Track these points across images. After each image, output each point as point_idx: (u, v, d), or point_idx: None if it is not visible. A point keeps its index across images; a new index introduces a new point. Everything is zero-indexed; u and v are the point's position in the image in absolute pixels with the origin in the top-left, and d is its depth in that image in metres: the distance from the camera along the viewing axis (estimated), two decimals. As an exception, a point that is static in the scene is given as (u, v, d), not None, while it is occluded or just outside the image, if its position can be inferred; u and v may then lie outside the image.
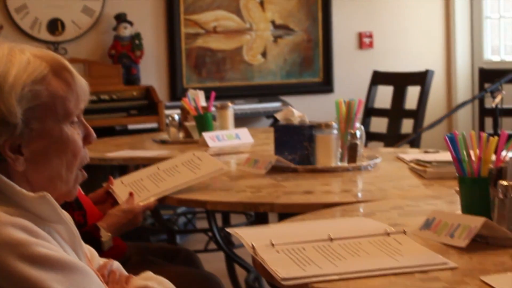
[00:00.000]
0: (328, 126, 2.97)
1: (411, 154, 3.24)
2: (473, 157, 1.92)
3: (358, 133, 3.03)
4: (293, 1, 6.92)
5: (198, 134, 3.88)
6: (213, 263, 4.75)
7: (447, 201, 2.29)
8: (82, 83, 1.60)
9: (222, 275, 4.20)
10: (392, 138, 4.50)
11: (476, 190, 1.91)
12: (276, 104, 6.34)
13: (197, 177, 2.69)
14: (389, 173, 2.90)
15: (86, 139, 1.62)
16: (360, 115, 3.18)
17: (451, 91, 7.33)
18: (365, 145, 4.58)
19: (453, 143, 1.92)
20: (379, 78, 4.93)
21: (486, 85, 4.25)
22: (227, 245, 3.93)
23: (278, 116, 3.12)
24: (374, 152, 3.34)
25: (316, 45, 7.00)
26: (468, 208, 1.93)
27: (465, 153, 1.92)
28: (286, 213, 2.42)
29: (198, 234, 5.39)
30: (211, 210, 3.71)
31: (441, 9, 7.33)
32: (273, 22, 6.91)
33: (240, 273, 4.11)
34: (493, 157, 1.91)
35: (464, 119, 7.12)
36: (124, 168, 4.39)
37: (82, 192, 2.67)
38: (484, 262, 1.66)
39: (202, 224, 5.11)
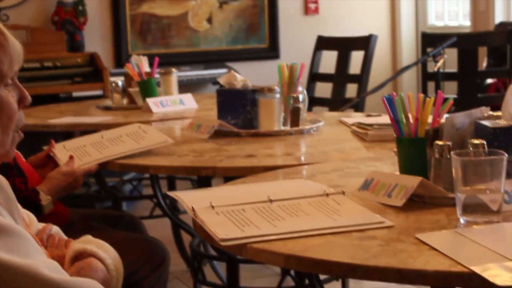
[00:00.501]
0: (270, 90, 2.98)
1: (353, 118, 3.26)
2: (410, 119, 1.94)
3: (300, 97, 3.04)
4: (239, -33, 6.90)
5: (141, 100, 3.86)
6: (160, 229, 4.75)
7: (387, 163, 2.32)
8: (16, 45, 1.58)
9: (169, 241, 4.21)
10: (337, 103, 4.52)
11: (413, 151, 1.93)
12: (222, 71, 6.31)
13: (141, 147, 2.68)
14: (331, 137, 2.92)
15: (21, 102, 1.60)
16: (304, 79, 3.19)
17: (396, 56, 7.38)
18: (310, 110, 4.61)
19: (391, 104, 1.94)
20: (323, 43, 4.93)
21: (429, 50, 4.28)
22: (172, 211, 3.92)
23: (221, 80, 3.11)
24: (317, 116, 3.36)
25: (261, 11, 6.99)
26: (406, 168, 1.95)
27: (402, 114, 1.94)
28: (231, 177, 2.43)
29: (145, 201, 5.38)
30: (155, 176, 3.70)
31: (386, -26, 7.36)
32: (218, -12, 6.88)
33: (187, 239, 4.12)
34: (430, 118, 1.94)
35: (409, 83, 7.18)
36: (69, 135, 4.35)
37: (23, 159, 2.65)
38: (420, 221, 1.69)
39: (149, 191, 5.09)
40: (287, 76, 3.09)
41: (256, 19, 6.98)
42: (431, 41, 4.42)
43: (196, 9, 6.84)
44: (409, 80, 7.16)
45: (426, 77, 4.50)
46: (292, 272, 3.39)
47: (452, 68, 4.59)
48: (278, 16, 7.01)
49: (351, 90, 4.65)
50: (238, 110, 2.99)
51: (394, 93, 1.95)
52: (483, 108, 1.98)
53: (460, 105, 4.57)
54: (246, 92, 3.00)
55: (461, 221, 1.64)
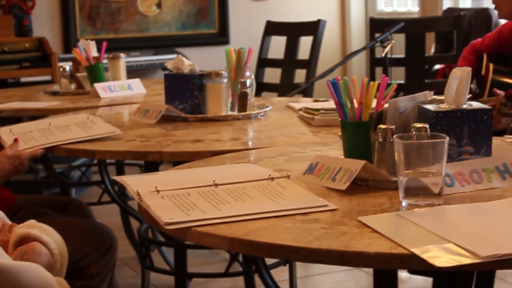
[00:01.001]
0: (218, 75, 2.98)
1: (301, 103, 3.27)
2: (355, 103, 1.95)
3: (248, 82, 3.04)
4: (188, -49, 6.86)
5: (89, 85, 3.84)
6: (109, 216, 4.74)
7: (333, 147, 2.34)
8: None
9: (118, 228, 4.20)
10: (286, 88, 4.53)
11: (357, 134, 1.95)
12: (172, 56, 6.26)
13: (88, 135, 2.66)
14: (278, 122, 2.93)
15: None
16: (253, 65, 3.20)
17: (346, 41, 7.42)
18: (259, 96, 4.62)
19: (335, 88, 1.95)
20: (272, 28, 4.93)
21: (377, 35, 4.31)
22: (121, 197, 3.91)
23: (168, 65, 3.10)
24: (265, 101, 3.37)
25: (212, -4, 6.97)
26: (350, 152, 1.97)
27: (347, 98, 1.95)
28: (179, 162, 2.43)
29: (94, 187, 5.36)
30: (103, 162, 3.68)
31: (335, -40, 7.38)
32: (168, -28, 6.84)
33: (136, 225, 4.11)
34: (375, 102, 1.96)
35: (359, 68, 7.23)
36: (17, 121, 4.30)
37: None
38: (363, 204, 1.71)
39: (98, 177, 5.06)
40: (235, 61, 3.09)
41: (206, 4, 6.97)
42: (379, 26, 4.45)
43: (146, -7, 6.80)
44: (359, 65, 7.20)
45: (374, 62, 4.54)
46: (240, 258, 3.41)
47: (401, 53, 4.62)
48: (228, 1, 7.00)
49: (300, 75, 4.67)
50: (186, 95, 2.99)
51: (339, 77, 1.96)
52: (427, 92, 2.01)
53: (407, 90, 4.61)
54: (193, 77, 2.99)
55: (403, 204, 1.66)
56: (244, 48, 3.11)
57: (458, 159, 1.85)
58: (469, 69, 1.88)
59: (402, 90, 4.90)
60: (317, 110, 2.83)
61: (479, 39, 3.48)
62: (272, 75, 4.91)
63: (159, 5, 6.84)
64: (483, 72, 3.29)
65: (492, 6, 5.85)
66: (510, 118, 2.65)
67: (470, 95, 3.24)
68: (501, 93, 2.81)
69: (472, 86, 3.34)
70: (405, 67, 4.54)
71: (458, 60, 3.52)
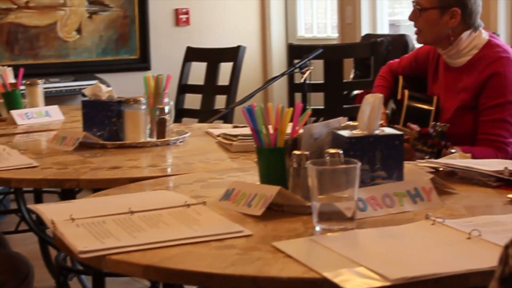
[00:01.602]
0: (136, 101, 2.97)
1: (220, 129, 3.29)
2: (270, 129, 1.97)
3: (166, 108, 3.04)
4: (108, -23, 6.85)
5: (6, 112, 3.78)
6: (28, 244, 4.66)
7: (250, 173, 2.35)
8: None
9: (37, 256, 4.14)
10: (206, 114, 4.54)
11: (273, 160, 1.97)
12: (93, 82, 6.22)
13: (3, 166, 2.62)
14: (197, 148, 2.94)
15: None
16: (173, 91, 3.20)
17: (267, 67, 7.49)
18: (180, 122, 4.63)
19: (251, 115, 1.97)
20: (192, 54, 4.95)
21: (296, 61, 4.35)
22: (38, 226, 3.85)
23: (86, 92, 3.09)
24: (185, 127, 3.37)
25: (132, 22, 6.96)
26: (266, 178, 1.99)
27: (262, 124, 1.97)
28: (99, 189, 2.41)
29: (12, 215, 5.27)
30: (19, 190, 3.63)
31: (255, -14, 7.45)
32: (88, -2, 6.81)
33: (55, 253, 4.06)
34: (290, 128, 1.98)
35: (279, 94, 7.29)
36: None
37: None
38: (278, 229, 1.72)
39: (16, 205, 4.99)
40: (153, 87, 3.09)
41: (127, 30, 6.95)
42: (298, 52, 4.50)
43: (65, 19, 6.75)
44: (279, 90, 7.27)
45: (294, 88, 4.58)
46: (161, 286, 3.39)
47: (320, 79, 4.68)
48: (149, 27, 7.00)
49: (221, 101, 4.69)
50: (104, 121, 2.97)
51: (254, 104, 1.98)
52: (340, 118, 2.04)
53: (327, 115, 4.67)
54: (111, 104, 2.98)
55: (317, 228, 1.68)
56: (162, 74, 3.11)
57: (371, 184, 1.88)
58: (380, 96, 1.92)
59: (321, 115, 4.97)
60: (235, 136, 2.84)
61: (396, 60, 3.53)
62: (193, 101, 4.92)
63: (79, 31, 6.80)
64: (399, 96, 3.34)
65: (408, 33, 5.98)
66: (423, 153, 2.70)
67: (384, 117, 3.31)
68: (415, 127, 2.86)
69: (393, 107, 3.38)
70: (324, 93, 4.60)
71: (376, 79, 3.57)
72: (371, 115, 1.90)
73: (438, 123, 2.77)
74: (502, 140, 2.99)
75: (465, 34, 3.08)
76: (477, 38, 3.09)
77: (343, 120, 2.03)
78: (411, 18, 3.17)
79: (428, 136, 2.75)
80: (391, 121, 3.31)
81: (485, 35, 3.11)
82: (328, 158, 1.79)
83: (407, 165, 2.01)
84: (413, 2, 3.15)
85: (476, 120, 3.06)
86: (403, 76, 3.41)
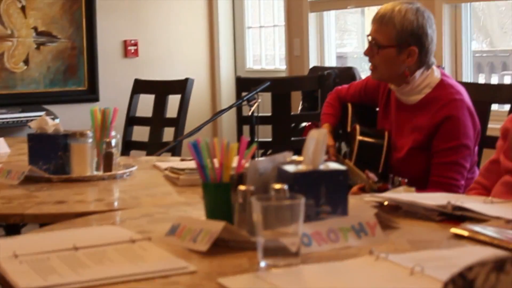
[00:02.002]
0: (82, 135, 2.96)
1: (167, 162, 3.28)
2: (216, 164, 1.98)
3: (113, 142, 3.04)
4: (56, 8, 6.82)
5: (-51, 145, 3.74)
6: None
7: (197, 207, 2.34)
8: None
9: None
10: (154, 147, 4.53)
11: (219, 196, 1.97)
12: (40, 113, 6.19)
13: None
14: (144, 181, 2.93)
15: None
16: (121, 123, 3.19)
17: (216, 99, 7.50)
18: (128, 154, 4.61)
19: (196, 150, 1.97)
20: (140, 86, 4.95)
21: (244, 94, 4.37)
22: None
23: (32, 125, 3.07)
24: (132, 161, 3.36)
25: (80, 53, 6.94)
26: (212, 213, 1.99)
27: (208, 159, 1.97)
28: (45, 224, 2.39)
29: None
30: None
31: (204, 18, 7.48)
32: (35, 29, 6.78)
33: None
34: (235, 163, 1.98)
35: (228, 126, 7.30)
36: None
37: None
38: (224, 265, 1.72)
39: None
40: (100, 121, 3.08)
41: (75, 61, 6.93)
42: (246, 85, 4.53)
43: (12, 49, 6.71)
44: (228, 123, 7.28)
45: (242, 121, 4.60)
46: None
47: (268, 111, 4.70)
48: (97, 58, 6.98)
49: (169, 133, 4.69)
50: (50, 155, 2.96)
51: (200, 139, 1.99)
52: (286, 153, 2.05)
53: (275, 148, 4.69)
54: (57, 137, 2.97)
55: (262, 264, 1.68)
56: (109, 108, 3.11)
57: (316, 219, 1.89)
58: (325, 131, 1.94)
59: (269, 147, 4.99)
60: (182, 170, 2.84)
61: (345, 86, 3.52)
62: (141, 133, 4.91)
63: (26, 62, 6.75)
64: (348, 128, 3.36)
65: (355, 65, 6.04)
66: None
67: (332, 150, 3.33)
68: (372, 177, 2.89)
69: (343, 141, 3.40)
70: (272, 125, 4.62)
71: (323, 106, 3.57)
72: (316, 150, 1.91)
73: (396, 177, 2.79)
74: (455, 183, 3.00)
75: (418, 73, 3.09)
76: (429, 76, 3.10)
77: (288, 155, 2.04)
78: (367, 53, 3.15)
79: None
80: (344, 155, 3.33)
81: (437, 73, 3.12)
82: (273, 193, 1.80)
83: (352, 200, 2.03)
84: (368, 37, 3.16)
85: (428, 160, 3.07)
86: (352, 104, 3.42)
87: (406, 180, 2.72)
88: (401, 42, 3.05)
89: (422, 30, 3.06)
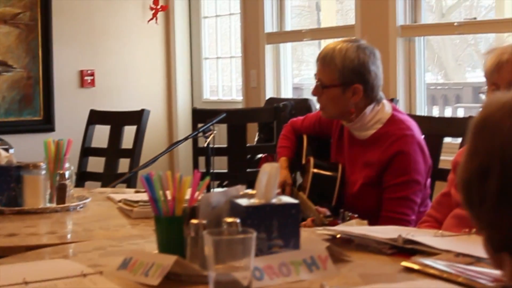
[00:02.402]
0: (36, 166, 2.95)
1: (122, 194, 3.27)
2: (169, 196, 1.98)
3: (67, 174, 3.02)
4: (12, 37, 6.79)
5: None
6: None
7: (150, 240, 2.33)
8: None
9: None
10: (109, 178, 4.51)
11: (171, 229, 1.97)
12: (-6, 143, 6.14)
13: None
14: (97, 214, 2.92)
15: None
16: (76, 154, 3.17)
17: (172, 130, 7.49)
18: (83, 186, 4.58)
19: (149, 183, 1.97)
20: (96, 117, 4.93)
21: (200, 125, 4.37)
22: None
23: (-16, 157, 3.04)
24: (86, 192, 3.34)
25: (36, 83, 6.90)
26: (164, 246, 1.98)
27: (160, 193, 1.97)
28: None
29: None
30: None
31: (161, 48, 7.49)
32: (-10, 59, 6.73)
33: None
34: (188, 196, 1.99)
35: (184, 158, 7.28)
36: None
37: None
38: (174, 299, 1.72)
39: None
40: (54, 152, 3.07)
41: (30, 91, 6.89)
42: (201, 116, 4.53)
43: (-33, 80, 6.65)
44: (184, 154, 7.26)
45: (197, 152, 4.60)
46: None
47: (224, 143, 4.71)
48: (53, 88, 6.94)
49: (124, 164, 4.67)
50: (2, 187, 2.93)
51: (153, 172, 1.99)
52: (239, 186, 2.06)
53: (230, 179, 4.70)
54: (10, 169, 2.94)
55: (213, 298, 1.68)
56: (63, 139, 3.10)
57: (268, 252, 1.90)
58: (277, 165, 1.95)
59: (225, 179, 4.99)
60: (136, 202, 2.84)
61: (300, 118, 3.53)
62: (96, 164, 4.89)
63: (-19, 92, 6.70)
64: (303, 161, 3.37)
65: (311, 97, 6.09)
66: None
67: (289, 182, 3.34)
68: (323, 211, 2.90)
69: (298, 173, 3.40)
70: (227, 157, 4.62)
71: (279, 138, 3.58)
72: (268, 184, 1.92)
73: (346, 212, 2.81)
74: (405, 218, 3.00)
75: (369, 109, 3.10)
76: (380, 111, 3.11)
77: (241, 188, 2.05)
78: (314, 93, 3.15)
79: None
80: (298, 187, 3.33)
81: (388, 108, 3.13)
82: (225, 227, 1.80)
83: (304, 233, 2.04)
84: (315, 76, 3.17)
85: (380, 196, 3.08)
86: (307, 137, 3.43)
87: (356, 216, 2.73)
88: (344, 81, 3.06)
89: (364, 67, 3.07)
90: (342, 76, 3.05)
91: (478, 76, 5.94)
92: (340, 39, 3.17)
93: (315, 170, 3.21)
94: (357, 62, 3.05)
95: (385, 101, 3.14)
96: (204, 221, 1.88)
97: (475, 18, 5.03)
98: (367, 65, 3.06)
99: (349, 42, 3.10)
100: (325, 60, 3.09)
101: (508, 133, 1.14)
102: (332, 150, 3.30)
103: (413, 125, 3.11)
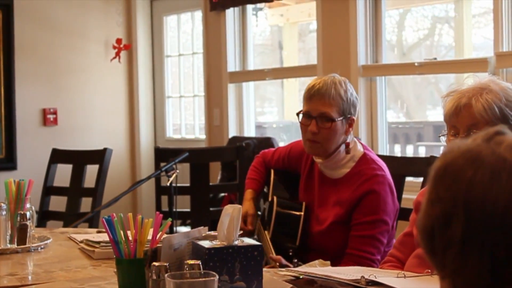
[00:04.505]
0: (-4, 207, 2.91)
1: (83, 234, 3.25)
2: (130, 238, 1.97)
3: (28, 214, 3.00)
4: (-26, 76, 6.74)
5: None
6: None
7: (111, 282, 2.32)
8: None
9: None
10: (71, 217, 4.47)
11: (132, 271, 1.96)
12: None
13: None
14: (59, 254, 2.89)
15: None
16: (38, 193, 3.15)
17: (135, 170, 7.46)
18: (44, 225, 4.54)
19: (110, 225, 1.96)
20: (58, 156, 4.90)
21: (162, 164, 4.37)
22: None
23: None
24: (47, 232, 3.31)
25: (-2, 121, 6.85)
26: (126, 289, 1.97)
27: (122, 234, 1.97)
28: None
29: None
30: None
31: (124, 87, 7.49)
32: (-49, 97, 6.68)
33: None
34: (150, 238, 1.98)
35: (148, 197, 7.24)
36: None
37: None
38: None
39: None
40: (14, 193, 3.04)
41: (-8, 129, 6.83)
42: (164, 155, 4.52)
43: None
44: (147, 193, 7.22)
45: (160, 191, 4.58)
46: None
47: (186, 182, 4.70)
48: (16, 126, 6.89)
49: (87, 204, 4.63)
50: (-38, 228, 2.89)
51: (114, 215, 1.98)
52: (201, 228, 2.06)
53: (193, 218, 4.68)
54: (-30, 210, 2.91)
55: None
56: (24, 180, 3.07)
57: (230, 295, 1.90)
58: (239, 207, 1.95)
59: (188, 218, 4.97)
60: (98, 242, 2.81)
61: (271, 149, 3.52)
62: (58, 203, 4.84)
63: None
64: (269, 198, 3.37)
65: (274, 135, 6.10)
66: None
67: (250, 220, 3.34)
68: (278, 259, 2.91)
69: (264, 208, 3.40)
70: (190, 196, 4.61)
71: (249, 169, 3.57)
72: (230, 226, 1.92)
73: (299, 263, 2.80)
74: (370, 257, 3.01)
75: (343, 146, 3.12)
76: (353, 149, 3.13)
77: (203, 230, 2.05)
78: (313, 130, 3.08)
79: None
80: (262, 221, 3.33)
81: (359, 146, 3.15)
82: (187, 269, 1.80)
83: (267, 274, 2.04)
84: (311, 114, 3.10)
85: (348, 234, 3.08)
86: (275, 171, 3.43)
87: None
88: (346, 113, 3.09)
89: (356, 99, 3.13)
90: (345, 109, 3.08)
91: (439, 114, 6.01)
92: (328, 75, 3.17)
93: (279, 209, 3.22)
94: (354, 95, 3.11)
95: (356, 140, 3.17)
96: (166, 264, 1.87)
97: (435, 58, 5.09)
98: (357, 97, 3.14)
99: (337, 76, 3.14)
100: (329, 95, 3.06)
101: (471, 181, 1.15)
102: (301, 187, 3.30)
103: (384, 166, 3.12)
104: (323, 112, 3.08)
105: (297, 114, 3.15)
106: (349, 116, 3.09)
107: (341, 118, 3.08)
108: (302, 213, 3.18)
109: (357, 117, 5.00)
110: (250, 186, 3.46)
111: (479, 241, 1.14)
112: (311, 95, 3.11)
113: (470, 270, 1.15)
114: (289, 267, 2.76)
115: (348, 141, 3.12)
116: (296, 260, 2.84)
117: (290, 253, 3.08)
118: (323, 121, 3.08)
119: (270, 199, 3.34)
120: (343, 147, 3.11)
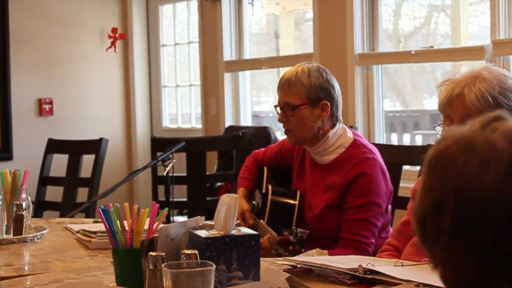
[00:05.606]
0: (-8, 198, 2.90)
1: (80, 224, 3.23)
2: (126, 226, 1.96)
3: (24, 204, 2.98)
4: (-31, 66, 6.72)
5: None
6: None
7: (108, 272, 2.31)
8: None
9: None
10: (68, 207, 4.46)
11: (129, 262, 1.95)
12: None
13: None
14: (55, 245, 2.88)
15: None
16: (34, 183, 3.14)
17: (132, 159, 7.45)
18: (41, 216, 4.53)
19: (106, 215, 1.95)
20: (54, 146, 4.88)
21: (159, 154, 4.35)
22: None
23: None
24: (43, 223, 3.30)
25: (-7, 111, 6.83)
26: (122, 279, 1.96)
27: (118, 224, 1.95)
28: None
29: None
30: None
31: (120, 77, 7.47)
32: None
33: None
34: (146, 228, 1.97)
35: (144, 186, 7.24)
36: None
37: None
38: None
39: None
40: (10, 183, 3.03)
41: (-13, 119, 6.81)
42: (160, 145, 4.51)
43: None
44: (144, 183, 7.22)
45: (157, 181, 4.57)
46: None
47: (183, 171, 4.69)
48: (11, 116, 6.87)
49: (83, 194, 4.62)
50: (-43, 218, 2.88)
51: (110, 205, 1.97)
52: (198, 217, 2.05)
53: (190, 208, 4.68)
54: (-35, 200, 2.89)
55: (172, 332, 1.66)
56: (20, 170, 3.06)
57: (227, 284, 1.89)
58: (236, 196, 1.94)
59: (184, 207, 4.96)
60: (94, 233, 2.81)
61: (262, 149, 3.54)
62: (54, 193, 4.83)
63: None
64: (263, 190, 3.37)
65: (271, 124, 6.10)
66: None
67: (248, 214, 3.34)
68: (266, 246, 2.93)
69: (258, 201, 3.40)
70: (187, 185, 4.61)
71: (241, 170, 3.58)
72: (227, 215, 1.91)
73: (298, 229, 2.81)
74: (364, 240, 3.00)
75: (331, 133, 3.12)
76: (343, 137, 3.14)
77: (200, 220, 2.04)
78: (281, 119, 3.15)
79: (289, 243, 2.80)
80: (257, 214, 3.33)
81: (349, 133, 3.15)
82: (184, 259, 1.79)
83: (264, 264, 2.03)
84: (279, 105, 3.16)
85: (341, 218, 3.08)
86: (267, 168, 3.44)
87: (308, 232, 2.75)
88: (312, 99, 3.08)
89: (329, 83, 3.11)
90: (310, 94, 3.08)
91: (435, 103, 5.98)
92: (296, 65, 3.20)
93: (274, 197, 3.22)
94: (322, 80, 3.09)
95: (346, 128, 3.17)
96: (163, 253, 1.86)
97: (432, 47, 5.08)
98: (331, 81, 3.12)
99: (307, 64, 3.14)
100: (290, 83, 3.11)
101: (462, 169, 1.14)
102: (293, 177, 3.31)
103: (375, 150, 3.13)
104: (286, 101, 3.13)
105: (275, 108, 3.20)
106: (319, 101, 3.09)
107: (305, 104, 3.09)
108: (297, 203, 3.18)
109: (354, 106, 4.98)
110: (242, 185, 3.47)
111: (468, 231, 1.13)
112: (278, 87, 3.19)
113: (458, 259, 1.14)
114: (287, 234, 2.77)
115: (334, 131, 3.12)
116: (295, 228, 2.85)
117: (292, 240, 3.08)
118: (288, 110, 3.12)
119: (264, 191, 3.34)
120: (331, 133, 3.11)
